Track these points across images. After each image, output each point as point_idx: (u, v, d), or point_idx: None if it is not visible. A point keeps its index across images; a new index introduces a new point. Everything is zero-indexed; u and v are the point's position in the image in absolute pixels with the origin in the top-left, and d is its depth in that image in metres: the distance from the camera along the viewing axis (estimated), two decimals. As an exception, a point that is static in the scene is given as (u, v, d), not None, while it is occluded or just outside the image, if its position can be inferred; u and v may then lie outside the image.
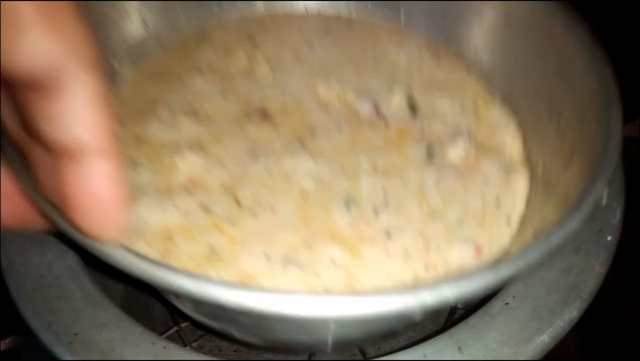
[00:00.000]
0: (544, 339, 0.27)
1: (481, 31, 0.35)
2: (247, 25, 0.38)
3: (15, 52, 0.17)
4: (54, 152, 0.19)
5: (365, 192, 0.29)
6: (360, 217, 0.28)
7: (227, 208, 0.28)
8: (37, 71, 0.17)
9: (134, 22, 0.35)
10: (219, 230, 0.28)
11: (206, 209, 0.28)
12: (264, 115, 0.32)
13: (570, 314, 0.28)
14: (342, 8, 0.39)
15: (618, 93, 0.27)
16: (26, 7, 0.16)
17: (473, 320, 0.27)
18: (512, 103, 0.34)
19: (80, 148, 0.18)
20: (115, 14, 0.34)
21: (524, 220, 0.30)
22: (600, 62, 0.28)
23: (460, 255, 0.28)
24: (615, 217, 0.31)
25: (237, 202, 0.29)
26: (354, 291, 0.26)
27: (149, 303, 0.37)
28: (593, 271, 0.29)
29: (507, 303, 0.28)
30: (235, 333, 0.29)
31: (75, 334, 0.26)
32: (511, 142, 0.33)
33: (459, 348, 0.26)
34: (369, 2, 0.38)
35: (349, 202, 0.29)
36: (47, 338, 0.26)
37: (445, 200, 0.30)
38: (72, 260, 0.28)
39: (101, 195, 0.19)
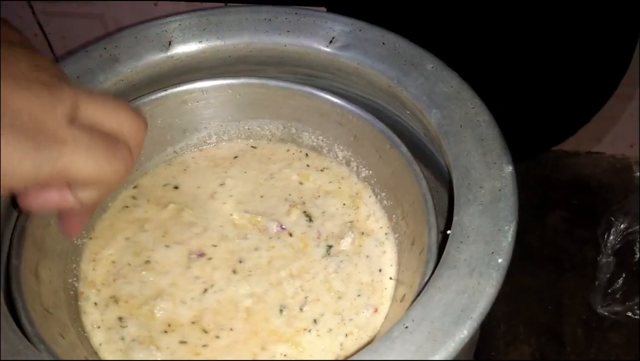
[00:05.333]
0: (436, 358, 0.30)
1: (344, 144, 0.48)
2: (171, 169, 0.49)
3: None
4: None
5: (290, 295, 0.42)
6: (292, 316, 0.41)
7: (198, 337, 0.40)
8: None
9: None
10: (197, 355, 0.40)
11: (183, 342, 0.40)
12: (201, 254, 0.44)
13: (461, 334, 0.30)
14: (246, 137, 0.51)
15: (433, 205, 0.39)
16: None
17: (376, 344, 0.31)
18: (378, 194, 0.47)
19: None
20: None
21: (399, 271, 0.43)
22: (417, 173, 0.41)
23: (365, 317, 0.42)
24: (507, 240, 0.34)
25: (204, 330, 0.41)
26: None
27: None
28: (484, 292, 0.32)
29: (406, 327, 0.31)
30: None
31: None
32: (380, 223, 0.46)
33: None
34: (265, 129, 0.50)
35: (282, 308, 0.42)
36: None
37: (345, 281, 0.43)
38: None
39: None
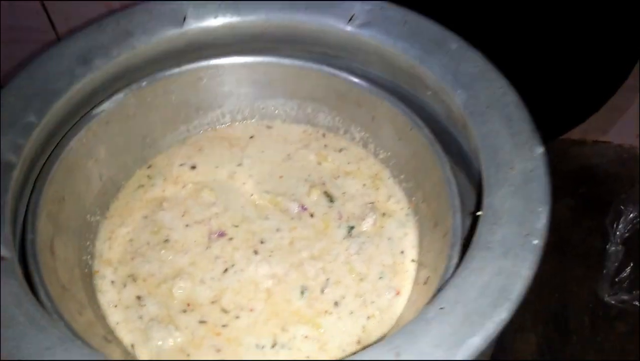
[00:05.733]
0: (475, 341, 0.29)
1: (361, 125, 0.47)
2: (186, 149, 0.48)
3: None
4: None
5: (311, 277, 0.42)
6: (313, 298, 0.41)
7: (217, 316, 0.40)
8: None
9: (93, 179, 0.43)
10: (217, 335, 0.39)
11: (202, 322, 0.40)
12: (221, 234, 0.44)
13: (500, 316, 0.30)
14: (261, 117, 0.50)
15: (456, 187, 0.38)
16: None
17: (410, 326, 0.30)
18: (397, 176, 0.46)
19: None
20: (80, 179, 0.42)
21: (420, 253, 0.42)
22: (440, 154, 0.40)
23: (387, 300, 0.41)
24: (541, 222, 0.33)
25: (224, 310, 0.40)
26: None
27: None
28: (520, 274, 0.31)
29: (441, 308, 0.30)
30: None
31: (19, 359, 0.28)
32: (401, 204, 0.45)
33: (397, 353, 0.29)
34: (280, 109, 0.49)
35: (303, 289, 0.41)
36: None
37: (367, 263, 0.42)
38: (16, 285, 0.31)
39: None
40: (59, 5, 0.73)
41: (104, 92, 0.43)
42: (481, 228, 0.33)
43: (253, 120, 0.50)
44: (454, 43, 0.42)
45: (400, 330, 0.30)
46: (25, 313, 0.30)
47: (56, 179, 0.39)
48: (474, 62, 0.41)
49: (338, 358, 0.38)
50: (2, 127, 0.37)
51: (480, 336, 0.29)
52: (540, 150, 0.37)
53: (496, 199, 0.34)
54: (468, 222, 0.39)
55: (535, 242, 0.32)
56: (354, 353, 0.36)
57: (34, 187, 0.38)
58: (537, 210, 0.34)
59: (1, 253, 0.32)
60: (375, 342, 0.38)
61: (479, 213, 0.35)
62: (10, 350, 0.29)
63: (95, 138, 0.42)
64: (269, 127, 0.50)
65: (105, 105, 0.43)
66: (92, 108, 0.43)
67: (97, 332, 0.36)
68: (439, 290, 0.33)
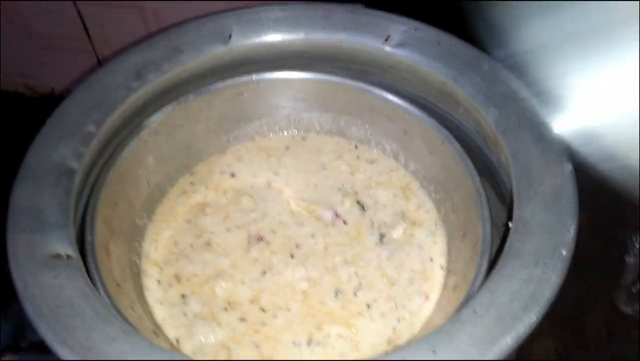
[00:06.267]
0: (507, 341, 0.31)
1: (392, 138, 0.50)
2: (226, 158, 0.51)
3: None
4: None
5: (344, 281, 0.44)
6: (346, 300, 0.43)
7: (256, 315, 0.42)
8: None
9: (142, 185, 0.45)
10: (257, 332, 0.41)
11: (242, 320, 0.42)
12: (260, 238, 0.46)
13: (530, 319, 0.32)
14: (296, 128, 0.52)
15: (486, 200, 0.40)
16: None
17: (446, 326, 0.32)
18: (427, 187, 0.49)
19: None
20: (130, 185, 0.45)
21: (449, 260, 0.44)
22: (470, 168, 0.42)
23: (417, 304, 0.43)
24: (569, 234, 0.36)
25: (262, 309, 0.42)
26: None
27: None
28: (549, 281, 0.34)
29: (475, 311, 0.33)
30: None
31: (90, 348, 0.30)
32: (430, 214, 0.47)
33: (434, 352, 0.31)
34: (315, 121, 0.52)
35: (336, 292, 0.43)
36: (63, 352, 0.30)
37: (397, 269, 0.45)
38: (82, 282, 0.34)
39: None
40: (95, 16, 0.77)
41: (154, 104, 0.46)
42: (512, 239, 0.35)
43: (289, 132, 0.52)
44: (486, 63, 0.44)
45: (436, 330, 0.32)
46: (92, 307, 0.32)
47: (111, 185, 0.41)
48: (506, 82, 0.43)
49: (372, 357, 0.40)
50: (65, 136, 0.40)
51: (512, 337, 0.31)
52: (569, 167, 0.39)
53: (527, 212, 0.37)
54: (495, 233, 0.41)
55: (564, 252, 0.35)
56: (386, 352, 0.39)
57: (91, 192, 0.41)
58: (566, 222, 0.36)
59: (69, 253, 0.34)
60: (405, 343, 0.40)
61: (510, 224, 0.36)
62: (80, 338, 0.31)
63: (146, 148, 0.45)
64: (303, 139, 0.52)
65: (155, 117, 0.45)
66: (143, 120, 0.45)
67: (147, 326, 0.39)
68: (472, 295, 0.35)
